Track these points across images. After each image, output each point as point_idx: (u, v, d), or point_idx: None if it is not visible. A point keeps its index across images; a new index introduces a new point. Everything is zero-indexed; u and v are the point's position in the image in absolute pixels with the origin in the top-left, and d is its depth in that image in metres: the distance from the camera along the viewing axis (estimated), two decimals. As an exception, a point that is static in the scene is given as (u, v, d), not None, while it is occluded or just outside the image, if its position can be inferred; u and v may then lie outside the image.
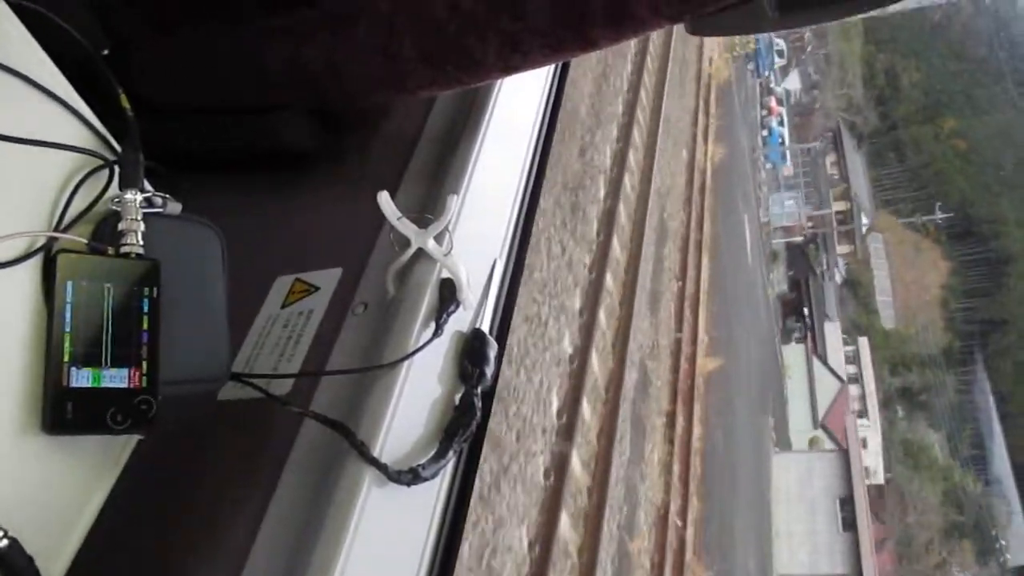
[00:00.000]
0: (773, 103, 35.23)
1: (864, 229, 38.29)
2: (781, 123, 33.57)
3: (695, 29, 0.96)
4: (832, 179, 40.26)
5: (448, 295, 0.92)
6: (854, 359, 34.04)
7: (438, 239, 0.92)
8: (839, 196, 38.82)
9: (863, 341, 34.73)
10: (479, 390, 0.89)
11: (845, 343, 33.86)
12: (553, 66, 1.34)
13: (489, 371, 0.91)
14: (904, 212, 40.98)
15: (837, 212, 38.48)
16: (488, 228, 1.09)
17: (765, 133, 33.50)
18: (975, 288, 39.09)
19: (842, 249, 38.82)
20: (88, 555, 0.64)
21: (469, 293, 0.93)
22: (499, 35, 0.94)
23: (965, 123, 41.56)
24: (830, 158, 40.41)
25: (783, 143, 33.78)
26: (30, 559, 0.57)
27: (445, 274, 0.93)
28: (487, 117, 1.14)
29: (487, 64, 0.97)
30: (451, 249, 0.93)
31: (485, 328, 0.97)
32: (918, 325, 38.59)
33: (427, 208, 0.99)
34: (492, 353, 0.93)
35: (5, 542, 0.56)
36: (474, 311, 0.97)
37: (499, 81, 1.19)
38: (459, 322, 0.94)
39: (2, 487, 0.58)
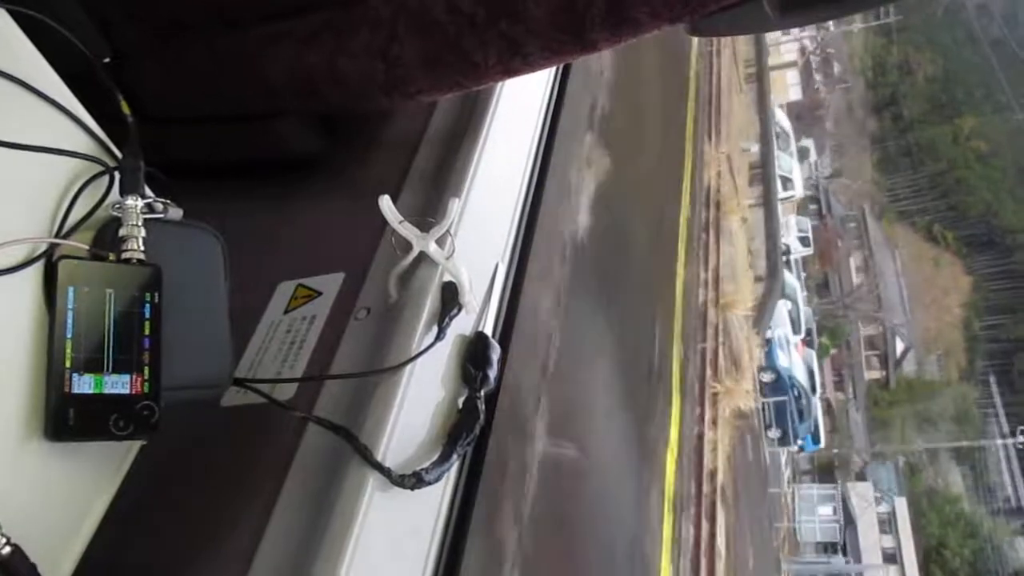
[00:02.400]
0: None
1: (899, 354, 31.47)
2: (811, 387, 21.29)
3: (695, 30, 0.96)
4: (858, 291, 32.66)
5: (450, 298, 0.91)
6: (888, 525, 25.27)
7: (440, 243, 0.92)
8: (866, 316, 32.13)
9: (900, 503, 26.12)
10: (482, 393, 0.89)
11: (877, 501, 26.11)
12: (554, 68, 1.34)
13: (492, 374, 0.91)
14: (921, 225, 37.17)
15: (866, 336, 32.01)
16: (490, 231, 1.09)
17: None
18: (999, 305, 35.32)
19: (871, 375, 31.86)
20: (91, 561, 0.64)
21: (471, 296, 0.93)
22: (499, 38, 0.94)
23: (985, 121, 37.68)
24: (855, 260, 33.54)
25: (815, 428, 22.43)
26: (33, 566, 0.57)
27: (447, 277, 0.93)
28: (488, 120, 1.14)
29: (487, 67, 0.97)
30: (453, 252, 0.93)
31: (488, 331, 0.97)
32: (940, 353, 34.33)
33: (429, 212, 0.99)
34: (495, 356, 0.93)
35: (8, 549, 0.56)
36: (477, 314, 0.97)
37: (500, 84, 1.19)
38: (462, 325, 0.93)
39: (5, 494, 0.58)
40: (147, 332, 0.66)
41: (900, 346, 31.67)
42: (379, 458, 0.76)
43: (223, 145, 1.20)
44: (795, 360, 19.27)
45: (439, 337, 0.88)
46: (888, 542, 25.19)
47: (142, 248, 0.67)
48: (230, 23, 1.11)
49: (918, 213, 37.58)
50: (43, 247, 0.63)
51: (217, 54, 1.12)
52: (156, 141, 0.74)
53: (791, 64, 33.73)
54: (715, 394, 8.34)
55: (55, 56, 0.70)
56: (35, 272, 0.62)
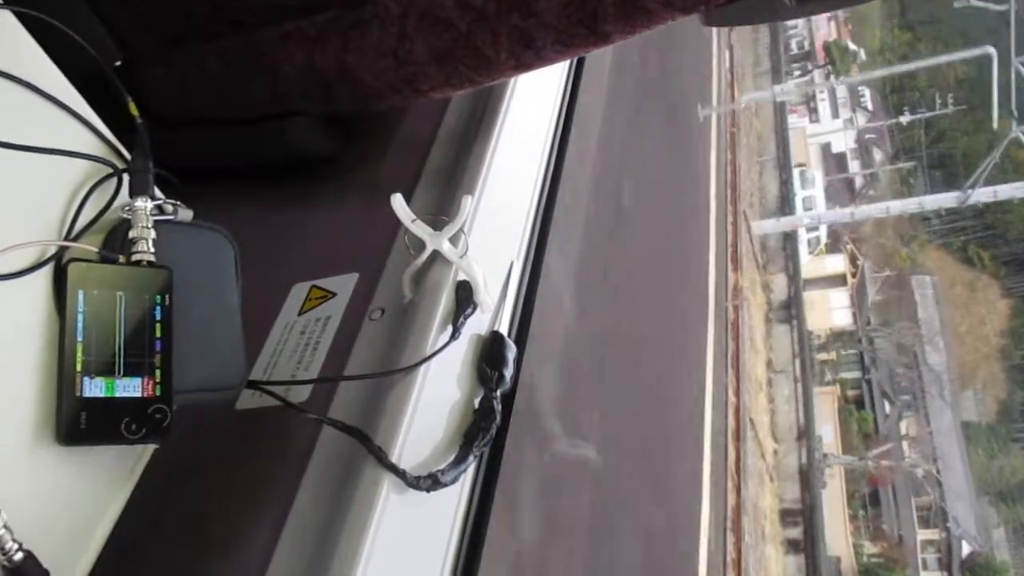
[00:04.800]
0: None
1: (963, 554, 23.53)
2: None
3: (709, 20, 0.94)
4: (915, 478, 24.11)
5: (465, 297, 0.90)
6: None
7: (453, 241, 0.91)
8: (924, 514, 23.82)
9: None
10: (498, 393, 0.87)
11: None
12: (568, 62, 1.32)
13: (508, 373, 0.90)
14: (956, 246, 33.47)
15: (924, 541, 23.56)
16: (505, 229, 1.08)
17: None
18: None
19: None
20: (105, 567, 0.63)
21: (486, 295, 0.92)
22: (510, 32, 0.93)
23: (1024, 126, 35.60)
24: (910, 425, 26.18)
25: None
26: (45, 572, 0.56)
27: (461, 276, 0.92)
28: (501, 116, 1.13)
29: (499, 62, 0.96)
30: (467, 251, 0.92)
31: (503, 330, 0.95)
32: (976, 388, 30.76)
33: (442, 210, 0.98)
34: (511, 355, 0.92)
35: (20, 555, 0.55)
36: (492, 313, 0.96)
37: (513, 79, 1.17)
38: (477, 325, 0.92)
39: (17, 499, 0.57)
40: (158, 335, 0.66)
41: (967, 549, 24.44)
42: (394, 460, 0.75)
43: (234, 147, 1.20)
44: None
45: (454, 336, 0.87)
46: None
47: (152, 250, 0.67)
48: (238, 24, 1.10)
49: (951, 233, 34.32)
50: (53, 250, 0.63)
51: (226, 56, 1.11)
52: (167, 145, 0.73)
53: (838, 280, 25.09)
54: None
55: (65, 60, 0.69)
56: (45, 275, 0.62)
